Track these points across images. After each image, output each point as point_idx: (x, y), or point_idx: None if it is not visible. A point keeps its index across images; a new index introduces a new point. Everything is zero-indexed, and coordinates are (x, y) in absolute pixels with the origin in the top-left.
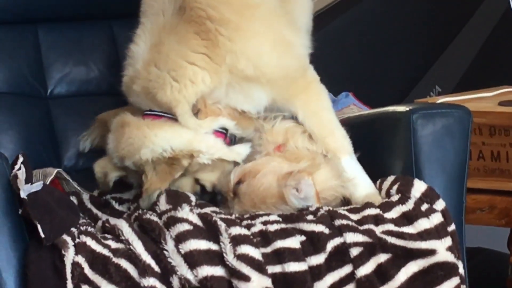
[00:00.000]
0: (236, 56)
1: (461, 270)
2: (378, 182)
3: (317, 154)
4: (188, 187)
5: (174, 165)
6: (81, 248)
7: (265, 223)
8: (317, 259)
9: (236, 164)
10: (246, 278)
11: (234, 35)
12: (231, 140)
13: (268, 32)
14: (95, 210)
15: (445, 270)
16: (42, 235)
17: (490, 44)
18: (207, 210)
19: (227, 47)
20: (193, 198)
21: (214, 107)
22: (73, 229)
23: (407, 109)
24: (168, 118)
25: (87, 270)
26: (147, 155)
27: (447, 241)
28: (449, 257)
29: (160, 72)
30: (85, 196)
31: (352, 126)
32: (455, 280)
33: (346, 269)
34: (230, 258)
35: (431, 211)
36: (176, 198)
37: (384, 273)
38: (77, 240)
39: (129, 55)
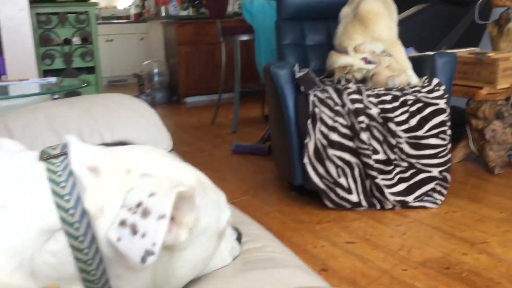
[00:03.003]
0: (374, 31)
1: (447, 112)
2: (421, 79)
3: (401, 70)
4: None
5: (345, 69)
6: (314, 95)
7: (379, 91)
8: (396, 104)
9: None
10: (371, 109)
11: (374, 24)
12: (369, 62)
13: (384, 17)
14: (320, 84)
15: (441, 111)
16: (302, 90)
17: None
18: (358, 84)
19: (370, 28)
20: (353, 82)
21: (363, 49)
22: (312, 89)
23: (433, 53)
24: (345, 54)
25: (316, 102)
26: (336, 65)
27: (443, 100)
28: (444, 106)
29: (345, 36)
30: (316, 79)
31: (411, 59)
32: (444, 116)
33: (405, 108)
34: (365, 101)
35: (439, 89)
36: (347, 81)
37: (419, 109)
38: (313, 92)
39: (336, 31)
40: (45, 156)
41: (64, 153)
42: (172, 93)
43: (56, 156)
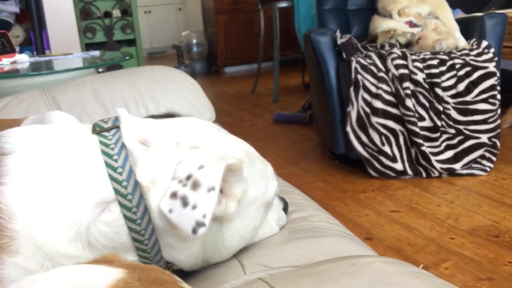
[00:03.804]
0: None
1: (497, 75)
2: (470, 41)
3: (448, 33)
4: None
5: (389, 33)
6: (357, 61)
7: (425, 55)
8: (443, 68)
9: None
10: (416, 74)
11: None
12: (414, 25)
13: None
14: (362, 50)
15: (491, 75)
16: (344, 56)
17: None
18: (403, 49)
19: None
20: (397, 47)
21: (408, 11)
22: (354, 56)
23: (481, 14)
24: (389, 17)
25: (359, 69)
26: (379, 30)
27: (493, 63)
28: (493, 69)
29: (390, 0)
30: (359, 45)
31: (459, 21)
32: (493, 80)
33: (453, 73)
34: (410, 66)
35: (488, 52)
36: (391, 46)
37: (468, 73)
38: (356, 59)
39: None
40: (97, 130)
41: (116, 126)
42: (211, 64)
43: (108, 130)
